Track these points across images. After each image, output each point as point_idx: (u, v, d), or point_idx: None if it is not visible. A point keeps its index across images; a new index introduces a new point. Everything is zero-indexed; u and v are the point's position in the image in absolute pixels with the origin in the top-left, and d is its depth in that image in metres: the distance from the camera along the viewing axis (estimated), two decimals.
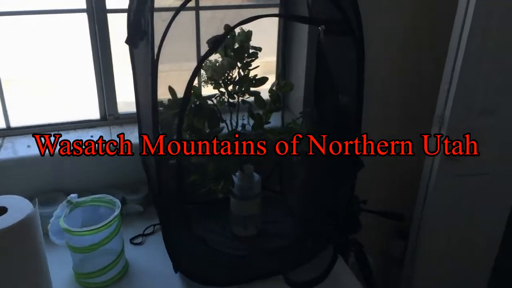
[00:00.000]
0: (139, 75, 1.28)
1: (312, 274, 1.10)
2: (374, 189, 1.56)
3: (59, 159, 1.43)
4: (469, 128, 1.49)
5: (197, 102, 1.22)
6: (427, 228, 1.63)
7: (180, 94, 1.24)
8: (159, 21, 0.90)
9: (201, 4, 1.54)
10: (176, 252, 1.14)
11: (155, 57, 0.89)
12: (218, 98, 1.30)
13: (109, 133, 1.55)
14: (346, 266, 1.31)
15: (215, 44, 0.96)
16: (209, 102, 1.28)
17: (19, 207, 1.02)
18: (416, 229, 1.67)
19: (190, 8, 1.53)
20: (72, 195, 1.24)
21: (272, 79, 1.62)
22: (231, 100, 1.30)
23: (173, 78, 1.24)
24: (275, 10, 1.64)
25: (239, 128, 1.36)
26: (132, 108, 1.59)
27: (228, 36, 1.29)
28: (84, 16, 1.49)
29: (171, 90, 1.21)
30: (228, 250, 1.27)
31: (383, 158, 1.79)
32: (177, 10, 0.88)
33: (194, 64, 1.62)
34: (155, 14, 0.90)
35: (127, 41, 1.16)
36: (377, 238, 1.99)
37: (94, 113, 1.61)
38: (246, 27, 1.28)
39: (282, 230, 1.42)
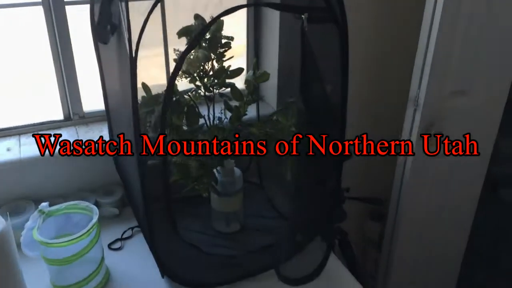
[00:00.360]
0: (110, 72, 1.20)
1: (305, 268, 1.08)
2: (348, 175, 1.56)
3: (22, 164, 1.33)
4: (442, 108, 1.50)
5: (174, 98, 1.16)
6: (404, 210, 1.65)
7: (150, 82, 1.17)
8: (136, 14, 0.83)
9: None
10: (163, 256, 1.09)
11: (134, 55, 0.83)
12: (194, 92, 1.25)
13: (75, 134, 1.46)
14: (334, 255, 1.30)
15: (197, 37, 0.91)
16: (185, 96, 1.23)
17: None
18: (394, 212, 1.68)
19: None
20: (43, 204, 1.16)
21: (240, 64, 1.58)
22: (207, 94, 1.25)
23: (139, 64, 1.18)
24: None
25: (216, 122, 1.31)
26: (97, 106, 1.52)
27: (193, 24, 1.24)
28: (40, 10, 1.38)
29: (145, 86, 1.15)
30: (215, 250, 1.23)
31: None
32: (155, 2, 0.82)
33: (159, 49, 1.55)
34: (130, 6, 0.83)
35: (95, 36, 1.07)
36: (352, 221, 2.00)
37: (57, 113, 1.51)
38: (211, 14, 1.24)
39: (265, 224, 1.39)
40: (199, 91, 1.25)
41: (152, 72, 1.59)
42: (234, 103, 1.33)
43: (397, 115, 1.64)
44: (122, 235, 1.35)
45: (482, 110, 1.56)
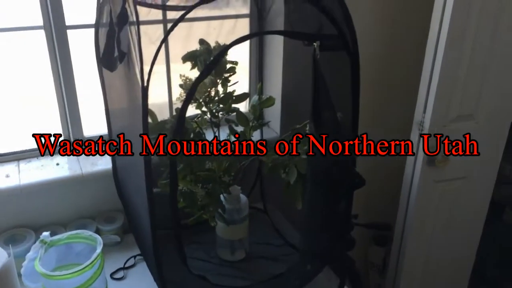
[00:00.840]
0: (114, 98, 1.18)
1: None
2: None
3: (22, 191, 1.29)
4: (447, 133, 1.49)
5: None
6: (410, 235, 1.63)
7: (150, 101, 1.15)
8: (147, 43, 0.81)
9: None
10: (170, 287, 1.05)
11: (146, 84, 0.81)
12: (199, 118, 1.23)
13: (76, 159, 1.43)
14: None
15: (209, 66, 0.89)
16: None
17: None
18: (400, 236, 1.66)
19: (158, 21, 1.44)
20: (45, 234, 1.12)
21: (240, 84, 1.56)
22: (213, 119, 1.23)
23: None
24: (246, 21, 1.59)
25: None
26: (97, 130, 1.49)
27: (198, 49, 1.23)
28: (41, 34, 1.36)
29: (151, 113, 1.12)
30: (221, 280, 1.20)
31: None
32: (166, 34, 0.80)
33: (160, 66, 1.53)
34: (142, 34, 0.81)
35: (102, 64, 1.05)
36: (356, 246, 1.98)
37: None
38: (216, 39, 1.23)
39: (271, 252, 1.36)
40: (205, 116, 1.23)
41: (152, 89, 1.57)
42: (238, 128, 1.32)
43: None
44: (125, 264, 1.31)
45: (488, 133, 1.55)
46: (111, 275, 1.27)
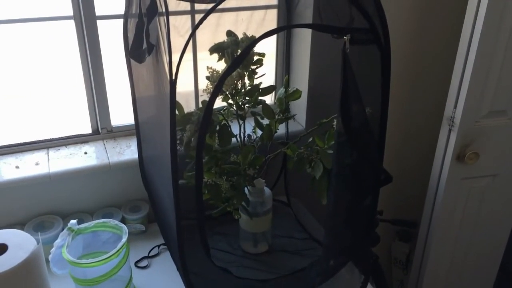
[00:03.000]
0: (142, 89, 1.19)
1: None
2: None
3: (51, 179, 1.32)
4: (479, 129, 1.45)
5: None
6: (436, 232, 1.60)
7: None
8: (176, 35, 0.81)
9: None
10: (193, 278, 1.06)
11: (174, 77, 0.81)
12: (225, 110, 1.22)
13: (103, 148, 1.45)
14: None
15: (237, 60, 0.88)
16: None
17: (20, 244, 0.93)
18: (425, 234, 1.63)
19: (186, 12, 1.44)
20: (72, 221, 1.14)
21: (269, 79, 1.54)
22: (239, 112, 1.23)
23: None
24: (274, 13, 1.57)
25: (246, 139, 1.29)
26: (125, 120, 1.51)
27: (225, 41, 1.22)
28: (71, 24, 1.37)
29: (178, 105, 1.12)
30: (244, 272, 1.20)
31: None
32: (195, 27, 0.79)
33: (187, 55, 1.53)
34: (171, 27, 0.81)
35: (131, 56, 1.06)
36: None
37: (85, 127, 1.50)
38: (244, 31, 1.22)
39: (293, 245, 1.36)
40: (231, 109, 1.23)
41: (179, 79, 1.58)
42: (264, 121, 1.31)
43: (431, 135, 1.60)
44: (149, 253, 1.33)
45: None
46: (136, 263, 1.29)
